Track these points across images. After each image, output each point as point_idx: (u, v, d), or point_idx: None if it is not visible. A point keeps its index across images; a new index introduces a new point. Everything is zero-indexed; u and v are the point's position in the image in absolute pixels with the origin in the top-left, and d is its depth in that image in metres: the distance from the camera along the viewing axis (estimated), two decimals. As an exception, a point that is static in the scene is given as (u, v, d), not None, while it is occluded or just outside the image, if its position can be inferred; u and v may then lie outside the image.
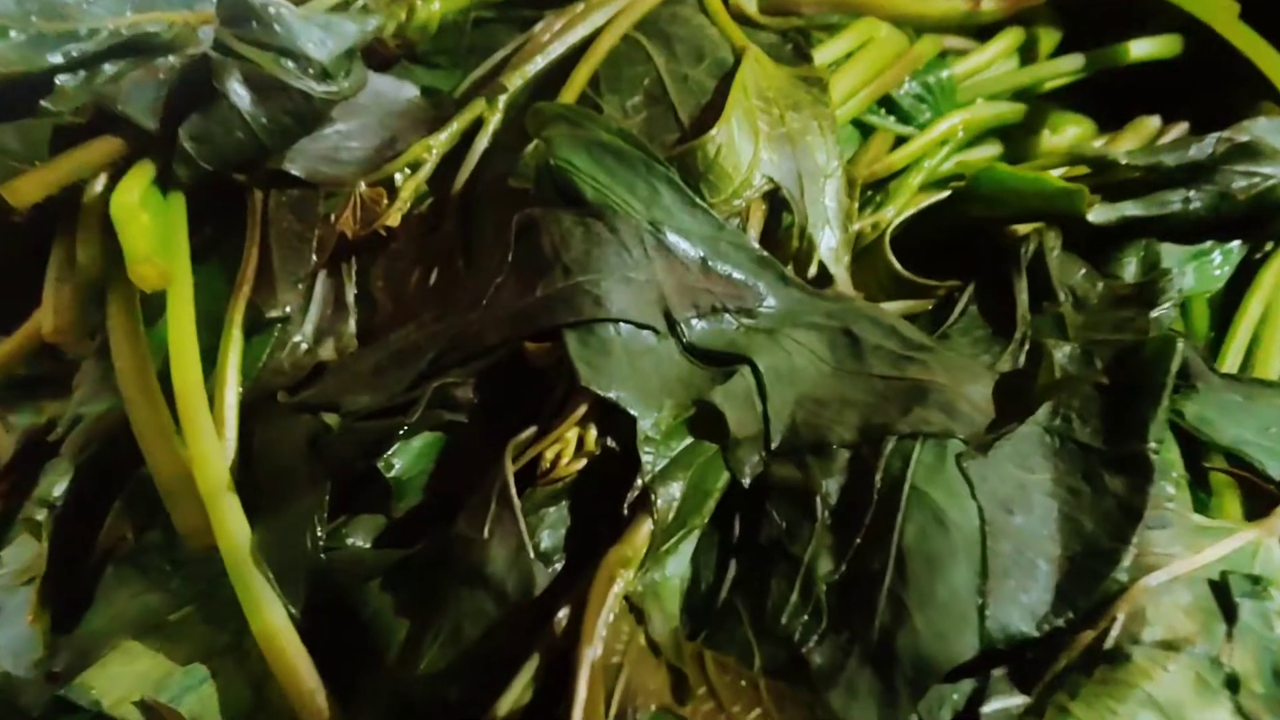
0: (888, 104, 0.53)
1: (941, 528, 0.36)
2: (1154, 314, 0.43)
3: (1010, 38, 0.58)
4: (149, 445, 0.42)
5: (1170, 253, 0.48)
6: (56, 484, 0.44)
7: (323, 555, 0.38)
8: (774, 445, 0.39)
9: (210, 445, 0.40)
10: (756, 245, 0.44)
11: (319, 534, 0.38)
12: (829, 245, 0.45)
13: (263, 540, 0.39)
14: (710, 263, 0.42)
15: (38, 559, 0.44)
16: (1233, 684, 0.35)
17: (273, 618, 0.38)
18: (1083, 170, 0.51)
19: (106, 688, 0.38)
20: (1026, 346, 0.43)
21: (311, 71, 0.48)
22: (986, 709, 0.34)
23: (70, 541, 0.44)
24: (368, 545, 0.39)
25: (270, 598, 0.38)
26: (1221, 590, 0.37)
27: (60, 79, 0.53)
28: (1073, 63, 0.59)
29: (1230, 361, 0.47)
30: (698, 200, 0.43)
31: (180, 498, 0.41)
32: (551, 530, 0.37)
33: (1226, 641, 0.36)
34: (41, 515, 0.44)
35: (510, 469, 0.37)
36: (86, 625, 0.41)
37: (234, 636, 0.39)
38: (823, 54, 0.52)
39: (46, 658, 0.41)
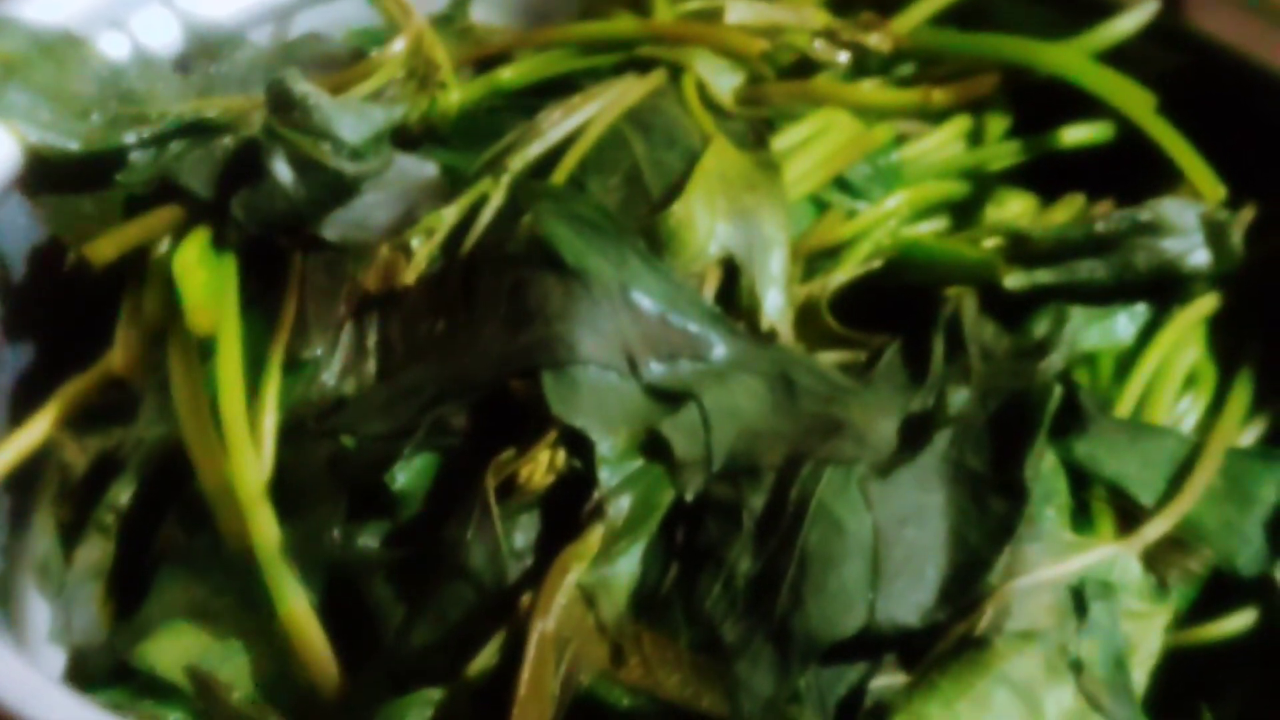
0: (842, 183, 0.61)
1: (840, 535, 0.44)
2: (1043, 365, 0.50)
3: (959, 124, 0.66)
4: (199, 462, 0.50)
5: (1079, 314, 0.56)
6: (122, 494, 0.53)
7: (338, 553, 0.47)
8: (715, 469, 0.47)
9: (250, 463, 0.48)
10: (710, 303, 0.52)
11: (335, 536, 0.47)
12: (774, 304, 0.53)
13: (290, 541, 0.47)
14: (669, 317, 0.50)
15: (105, 557, 0.52)
16: (1077, 667, 0.42)
17: (296, 604, 0.46)
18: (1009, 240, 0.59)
19: (159, 657, 0.46)
20: (936, 392, 0.50)
21: (345, 152, 0.57)
22: (874, 684, 0.42)
23: (132, 542, 0.52)
24: (375, 545, 0.47)
25: (294, 588, 0.46)
26: (1078, 593, 0.44)
27: (132, 155, 0.62)
28: (1014, 147, 0.66)
29: (1125, 408, 0.54)
30: (659, 264, 0.51)
31: (224, 506, 0.49)
32: (524, 533, 0.45)
33: (1077, 634, 0.43)
34: (109, 520, 0.52)
35: (491, 484, 0.45)
36: (144, 610, 0.49)
37: (264, 620, 0.47)
38: (784, 139, 0.60)
39: (111, 635, 0.50)
